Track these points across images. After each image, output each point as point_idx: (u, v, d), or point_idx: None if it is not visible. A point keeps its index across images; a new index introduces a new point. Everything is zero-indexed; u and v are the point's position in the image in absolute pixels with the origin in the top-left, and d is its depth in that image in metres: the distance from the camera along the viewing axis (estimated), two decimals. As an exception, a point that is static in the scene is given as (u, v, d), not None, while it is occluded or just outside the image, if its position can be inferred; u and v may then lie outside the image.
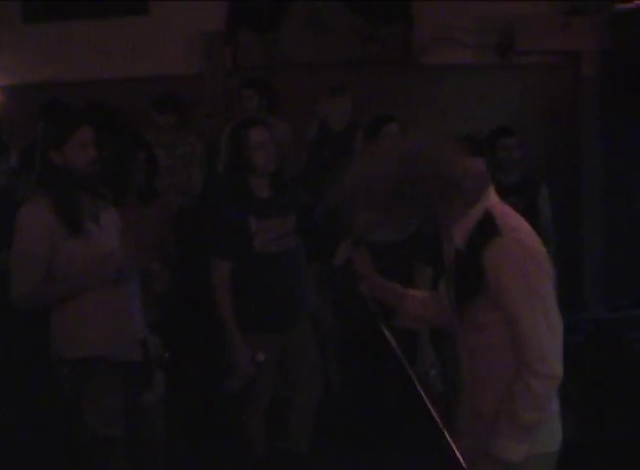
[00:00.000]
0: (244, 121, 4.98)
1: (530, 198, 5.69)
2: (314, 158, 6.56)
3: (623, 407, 4.56)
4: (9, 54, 7.10)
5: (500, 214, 2.87)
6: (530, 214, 5.50)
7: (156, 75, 6.98)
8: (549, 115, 7.02)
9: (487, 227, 2.81)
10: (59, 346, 3.88)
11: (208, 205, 5.08)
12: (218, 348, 4.79)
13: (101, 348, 3.82)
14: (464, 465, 2.64)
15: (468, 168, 2.82)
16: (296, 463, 4.88)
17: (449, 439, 2.67)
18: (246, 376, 4.51)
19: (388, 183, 2.69)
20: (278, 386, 4.74)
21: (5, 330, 4.71)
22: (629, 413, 4.56)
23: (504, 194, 5.46)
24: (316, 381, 4.85)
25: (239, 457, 4.95)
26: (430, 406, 2.74)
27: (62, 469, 4.70)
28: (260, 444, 4.79)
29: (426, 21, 7.04)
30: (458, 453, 2.65)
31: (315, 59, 7.12)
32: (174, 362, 4.72)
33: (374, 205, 2.79)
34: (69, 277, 3.80)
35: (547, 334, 2.75)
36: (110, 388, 3.85)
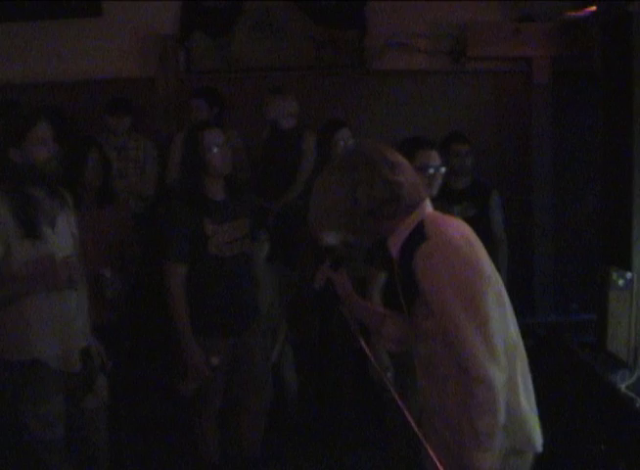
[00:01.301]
0: (198, 124, 4.99)
1: (481, 203, 5.74)
2: (265, 158, 6.59)
3: (573, 411, 4.61)
4: (-42, 55, 7.01)
5: (430, 222, 2.89)
6: (481, 220, 5.60)
7: (108, 78, 6.92)
8: (501, 120, 7.08)
9: (417, 235, 2.83)
10: None
11: (162, 208, 5.05)
12: (171, 351, 4.79)
13: (41, 353, 3.79)
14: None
15: (402, 185, 2.86)
16: (247, 468, 4.88)
17: (427, 445, 2.62)
18: (199, 379, 4.50)
19: (340, 210, 2.87)
20: (229, 389, 4.74)
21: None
22: (578, 416, 4.61)
23: (455, 199, 5.58)
24: (267, 385, 4.86)
25: (190, 462, 4.94)
26: (409, 418, 2.67)
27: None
28: (212, 448, 4.79)
29: (379, 26, 7.07)
30: (436, 459, 2.60)
31: (268, 63, 7.13)
32: (125, 366, 4.72)
33: (336, 228, 2.96)
34: (17, 280, 3.75)
35: (478, 335, 2.71)
36: (49, 392, 3.82)
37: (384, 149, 2.94)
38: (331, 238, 3.83)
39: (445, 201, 4.62)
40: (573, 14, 6.51)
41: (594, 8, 5.97)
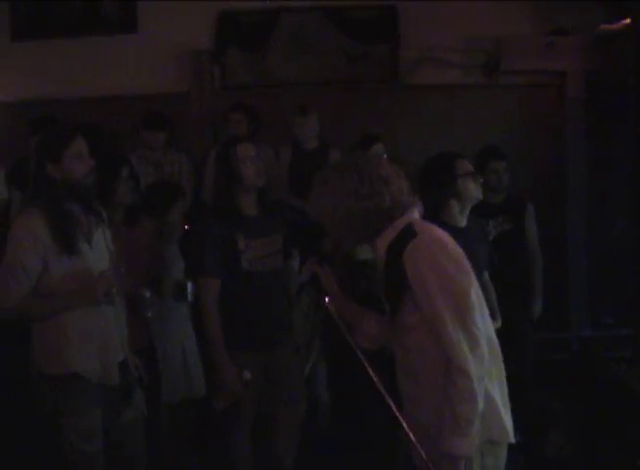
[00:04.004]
0: (231, 138, 5.02)
1: (517, 217, 5.70)
2: (291, 179, 6.62)
3: (607, 424, 4.58)
4: (-3, 72, 7.12)
5: (419, 224, 3.09)
6: (517, 234, 5.57)
7: (144, 93, 6.98)
8: (535, 134, 7.06)
9: (406, 233, 3.01)
10: (39, 361, 3.85)
11: (197, 223, 5.08)
12: (206, 367, 4.81)
13: (80, 367, 3.80)
14: (430, 466, 2.85)
15: (396, 196, 3.05)
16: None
17: (416, 443, 2.88)
18: (233, 394, 4.51)
19: (334, 216, 3.07)
20: (262, 404, 4.74)
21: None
22: (613, 430, 4.58)
23: (491, 214, 5.54)
24: (301, 400, 4.85)
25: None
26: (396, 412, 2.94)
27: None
28: (246, 462, 4.79)
29: (412, 40, 7.09)
30: (423, 455, 2.86)
31: (302, 78, 7.16)
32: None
33: (330, 230, 3.18)
34: (56, 295, 3.77)
35: (460, 327, 2.90)
36: (89, 405, 3.83)
37: (372, 160, 3.20)
38: (364, 253, 3.90)
39: (481, 215, 4.62)
40: (608, 27, 6.50)
41: (628, 21, 5.96)
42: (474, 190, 4.17)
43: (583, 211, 6.84)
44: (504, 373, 3.14)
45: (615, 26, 6.37)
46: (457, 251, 3.02)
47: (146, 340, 4.67)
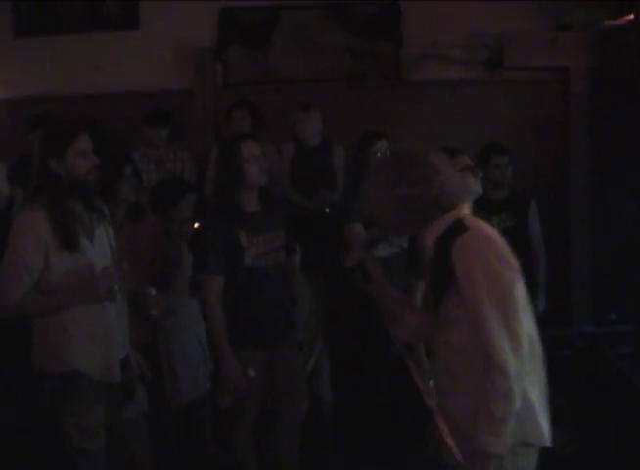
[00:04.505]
0: (235, 135, 5.02)
1: (520, 214, 5.71)
2: (294, 175, 6.61)
3: (611, 421, 4.57)
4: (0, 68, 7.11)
5: (469, 219, 3.11)
6: (520, 230, 5.56)
7: (146, 91, 6.97)
8: (538, 130, 7.05)
9: (457, 227, 3.01)
10: (40, 358, 3.85)
11: (199, 220, 5.07)
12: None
13: (82, 364, 3.80)
14: (461, 461, 2.87)
15: (446, 186, 3.05)
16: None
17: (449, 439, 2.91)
18: (237, 391, 4.51)
19: (387, 205, 3.07)
20: (266, 401, 4.74)
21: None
22: (616, 427, 4.57)
23: (494, 210, 5.54)
24: (304, 397, 4.85)
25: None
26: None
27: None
28: (249, 459, 4.79)
29: (415, 37, 7.08)
30: (456, 451, 2.88)
31: (305, 75, 7.16)
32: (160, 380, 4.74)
33: (379, 219, 3.20)
34: (58, 292, 3.77)
35: (503, 324, 2.88)
36: (90, 403, 3.82)
37: (431, 152, 3.15)
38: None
39: (484, 212, 4.61)
40: (611, 23, 6.48)
41: (632, 16, 5.94)
42: (473, 185, 4.17)
43: (587, 208, 6.83)
44: (544, 374, 3.10)
45: (618, 22, 6.35)
46: (505, 248, 3.01)
47: (148, 337, 4.66)
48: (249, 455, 4.77)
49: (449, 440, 2.93)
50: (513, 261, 2.99)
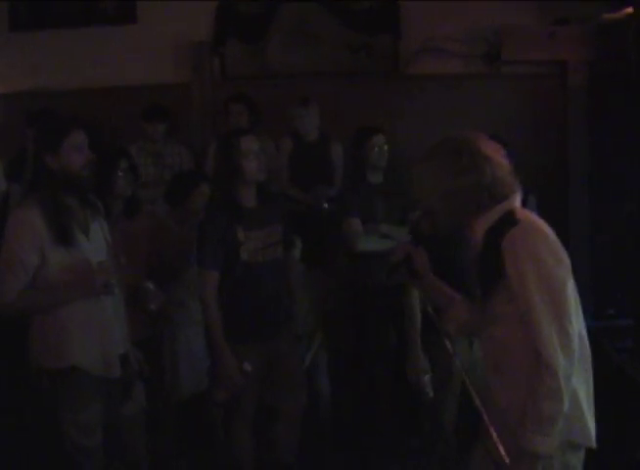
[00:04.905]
0: (234, 130, 5.00)
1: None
2: (292, 170, 6.60)
3: (610, 417, 4.56)
4: (-4, 62, 7.10)
5: (520, 211, 3.00)
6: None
7: (144, 84, 6.96)
8: (537, 124, 7.04)
9: (507, 220, 2.93)
10: (38, 355, 3.83)
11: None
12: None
13: (80, 360, 3.78)
14: (507, 461, 2.81)
15: (498, 174, 2.99)
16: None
17: (495, 437, 2.85)
18: (234, 387, 4.50)
19: (438, 193, 3.01)
20: (264, 395, 4.73)
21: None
22: (616, 421, 4.57)
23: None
24: (302, 391, 4.84)
25: (225, 468, 4.93)
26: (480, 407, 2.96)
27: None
28: (247, 454, 4.78)
29: (413, 30, 7.07)
30: (502, 450, 2.82)
31: (303, 69, 7.14)
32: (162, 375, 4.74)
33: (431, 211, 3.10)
34: (54, 288, 3.75)
35: (554, 322, 2.82)
36: (88, 399, 3.81)
37: (483, 140, 3.08)
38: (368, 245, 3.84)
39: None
40: (609, 16, 6.46)
41: (630, 10, 5.92)
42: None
43: (585, 202, 6.83)
44: (591, 373, 3.05)
45: (616, 16, 6.34)
46: (557, 243, 2.94)
47: (147, 332, 4.65)
48: (246, 450, 4.76)
49: (495, 437, 2.88)
50: (565, 258, 2.93)
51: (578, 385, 2.93)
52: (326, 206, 6.29)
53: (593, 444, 3.00)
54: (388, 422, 5.71)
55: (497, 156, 3.04)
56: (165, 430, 5.02)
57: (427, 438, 4.74)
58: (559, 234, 2.97)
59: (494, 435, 2.88)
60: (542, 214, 5.76)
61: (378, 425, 5.71)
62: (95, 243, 3.88)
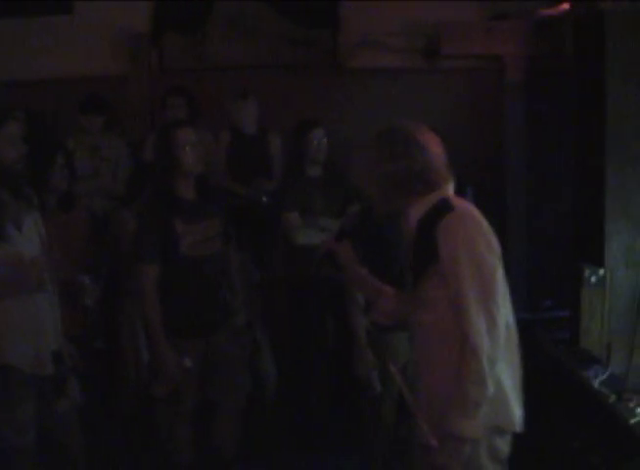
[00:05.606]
0: (172, 122, 4.98)
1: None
2: (230, 163, 6.57)
3: (547, 408, 4.62)
4: None
5: (454, 198, 3.12)
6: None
7: (80, 76, 6.86)
8: (475, 118, 7.08)
9: (443, 206, 3.04)
10: None
11: (134, 208, 5.03)
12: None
13: (12, 357, 3.73)
14: (436, 444, 2.91)
15: (431, 162, 3.10)
16: (221, 469, 4.85)
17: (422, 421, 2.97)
18: (172, 381, 4.47)
19: (374, 179, 3.13)
20: (205, 390, 4.71)
21: None
22: (552, 412, 4.62)
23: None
24: (242, 385, 4.83)
25: (163, 463, 4.90)
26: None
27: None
28: (185, 449, 4.75)
29: (353, 24, 7.08)
30: (429, 433, 2.93)
31: (242, 62, 7.11)
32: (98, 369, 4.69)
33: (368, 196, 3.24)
34: None
35: (482, 307, 2.90)
36: (21, 397, 3.76)
37: (421, 130, 3.19)
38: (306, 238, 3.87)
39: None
40: (547, 12, 6.53)
41: (567, 6, 5.99)
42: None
43: (523, 195, 6.89)
44: (518, 361, 3.15)
45: (554, 12, 6.40)
46: (490, 232, 3.04)
47: (82, 327, 4.60)
48: (183, 444, 4.73)
49: (422, 422, 2.96)
50: (496, 246, 3.02)
51: (504, 371, 3.01)
52: (265, 199, 6.27)
53: (518, 429, 3.09)
54: (331, 415, 5.74)
55: (433, 145, 3.14)
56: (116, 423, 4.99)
57: (366, 429, 4.76)
58: (495, 227, 3.02)
59: (421, 419, 2.96)
60: (479, 207, 5.83)
61: (322, 418, 5.74)
62: (29, 237, 3.82)
